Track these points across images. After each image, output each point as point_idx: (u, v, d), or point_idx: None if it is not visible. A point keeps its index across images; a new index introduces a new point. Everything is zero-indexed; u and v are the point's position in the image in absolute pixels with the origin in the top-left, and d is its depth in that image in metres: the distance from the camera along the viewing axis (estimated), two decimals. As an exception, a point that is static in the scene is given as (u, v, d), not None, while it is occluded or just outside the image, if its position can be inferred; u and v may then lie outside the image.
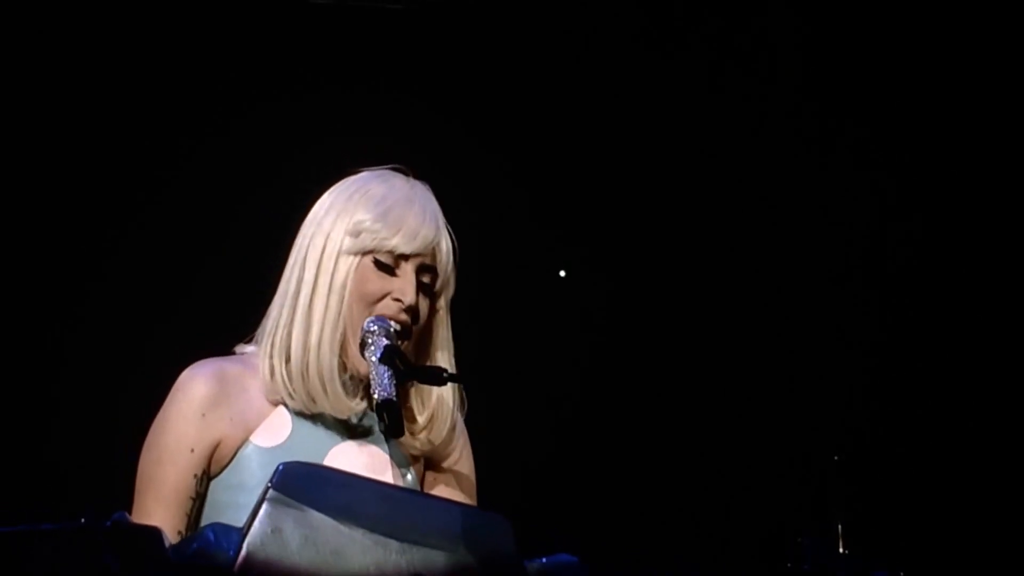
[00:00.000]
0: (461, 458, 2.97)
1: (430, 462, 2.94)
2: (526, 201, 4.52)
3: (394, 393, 2.73)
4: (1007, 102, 4.43)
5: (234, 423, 2.81)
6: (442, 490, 2.93)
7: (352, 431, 2.85)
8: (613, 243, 4.56)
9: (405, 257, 2.84)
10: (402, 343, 2.83)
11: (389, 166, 2.94)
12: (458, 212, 2.94)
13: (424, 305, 2.85)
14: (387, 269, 2.84)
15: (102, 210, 4.26)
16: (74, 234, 4.24)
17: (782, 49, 4.45)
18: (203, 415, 2.80)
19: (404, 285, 2.82)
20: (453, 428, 2.89)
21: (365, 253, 2.84)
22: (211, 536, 2.15)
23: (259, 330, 2.90)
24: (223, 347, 2.92)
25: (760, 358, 4.53)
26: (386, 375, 2.74)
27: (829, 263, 4.54)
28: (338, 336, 2.83)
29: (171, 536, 2.69)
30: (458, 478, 2.95)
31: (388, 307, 2.82)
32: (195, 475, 2.78)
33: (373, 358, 2.76)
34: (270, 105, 4.34)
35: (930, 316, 4.54)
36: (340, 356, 2.83)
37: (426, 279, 2.86)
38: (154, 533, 2.14)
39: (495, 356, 4.31)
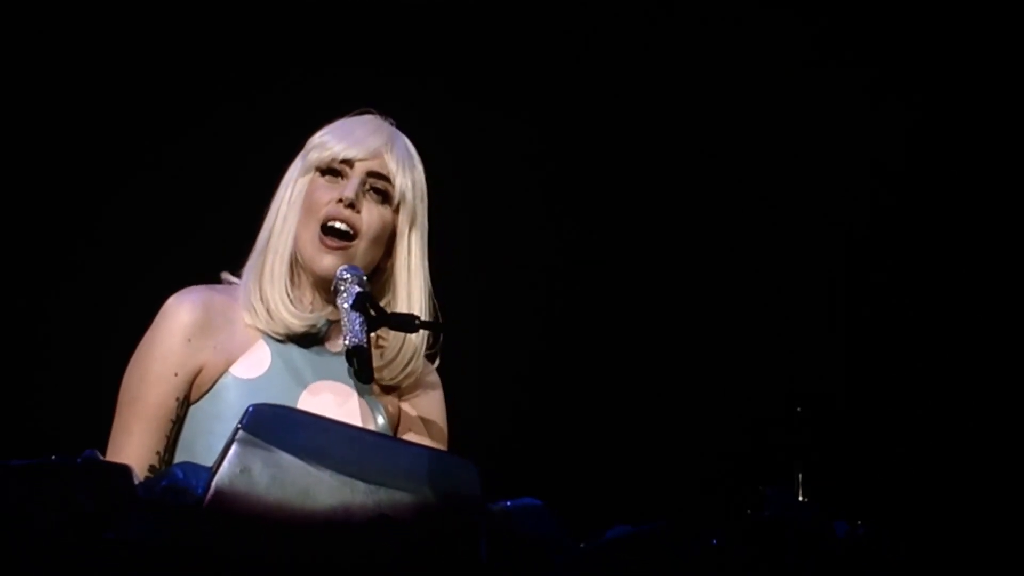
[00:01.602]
0: (432, 403, 3.00)
1: (402, 406, 2.97)
2: (522, 179, 4.53)
3: (365, 339, 2.76)
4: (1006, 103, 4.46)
5: (217, 351, 2.85)
6: (412, 433, 2.96)
7: (330, 369, 2.89)
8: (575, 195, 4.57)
9: (350, 163, 2.88)
10: (350, 245, 2.85)
11: (362, 109, 3.00)
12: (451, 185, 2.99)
13: (375, 215, 2.88)
14: (334, 176, 2.88)
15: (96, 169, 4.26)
16: (68, 186, 4.24)
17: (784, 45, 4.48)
18: (188, 340, 2.84)
19: (345, 186, 2.87)
20: (414, 366, 2.93)
21: (316, 169, 2.89)
22: (180, 474, 2.18)
23: None
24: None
25: (724, 309, 4.56)
26: (357, 322, 2.77)
27: (793, 221, 4.57)
28: (288, 253, 2.88)
29: (149, 456, 2.75)
30: (428, 422, 2.98)
31: (331, 209, 2.87)
32: (177, 398, 2.83)
33: (345, 305, 2.79)
34: (271, 82, 4.32)
35: (893, 269, 4.57)
36: (292, 271, 2.88)
37: (378, 186, 2.89)
38: (124, 470, 2.16)
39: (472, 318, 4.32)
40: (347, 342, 2.76)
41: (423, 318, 2.90)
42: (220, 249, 3.02)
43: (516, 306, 4.52)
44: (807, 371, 4.52)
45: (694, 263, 4.56)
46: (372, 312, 2.79)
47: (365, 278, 2.84)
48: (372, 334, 2.87)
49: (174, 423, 2.84)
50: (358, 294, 2.80)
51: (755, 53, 4.51)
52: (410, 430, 2.97)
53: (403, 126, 3.01)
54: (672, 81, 4.52)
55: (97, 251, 4.27)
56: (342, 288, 2.82)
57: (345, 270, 2.84)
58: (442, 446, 2.98)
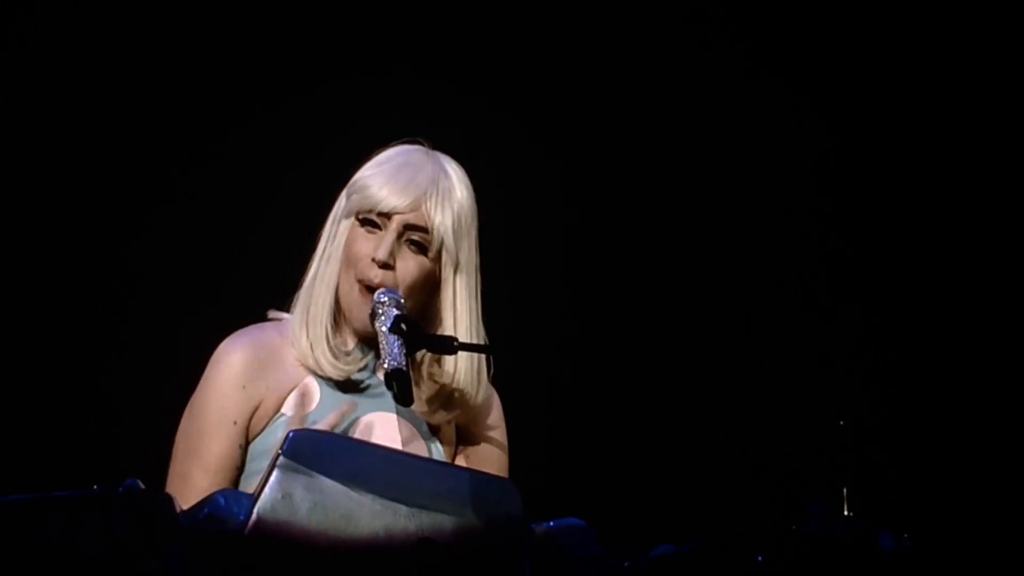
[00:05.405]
0: (492, 431, 2.97)
1: (461, 434, 2.96)
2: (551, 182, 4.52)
3: (404, 362, 2.74)
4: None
5: (271, 390, 2.85)
6: (471, 462, 2.94)
7: (381, 401, 2.88)
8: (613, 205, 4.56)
9: (387, 216, 2.86)
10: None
11: (408, 139, 2.97)
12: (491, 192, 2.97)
13: (413, 267, 2.84)
14: (372, 227, 2.87)
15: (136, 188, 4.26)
16: (110, 211, 4.23)
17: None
18: (243, 387, 2.84)
19: (379, 243, 2.85)
20: (473, 400, 2.90)
21: (356, 214, 2.88)
22: (222, 501, 2.18)
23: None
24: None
25: (765, 322, 4.54)
26: (396, 344, 2.76)
27: (830, 235, 4.56)
28: (330, 300, 2.87)
29: None
30: (487, 451, 2.96)
31: (366, 269, 2.84)
32: (240, 445, 2.83)
33: (383, 328, 2.78)
34: (311, 84, 4.32)
35: (934, 281, 4.55)
36: (334, 318, 2.87)
37: (415, 238, 2.86)
38: (165, 499, 2.16)
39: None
40: (386, 365, 2.75)
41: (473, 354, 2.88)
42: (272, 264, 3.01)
43: (553, 323, 4.50)
44: (850, 382, 4.50)
45: (728, 280, 4.55)
46: (410, 334, 2.78)
47: (403, 300, 2.83)
48: (421, 371, 2.85)
49: (239, 470, 2.84)
50: (396, 316, 2.79)
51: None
52: (468, 459, 2.95)
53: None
54: (677, 84, 4.51)
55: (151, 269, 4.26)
56: (380, 311, 2.81)
57: (383, 293, 2.83)
58: (502, 470, 2.94)
